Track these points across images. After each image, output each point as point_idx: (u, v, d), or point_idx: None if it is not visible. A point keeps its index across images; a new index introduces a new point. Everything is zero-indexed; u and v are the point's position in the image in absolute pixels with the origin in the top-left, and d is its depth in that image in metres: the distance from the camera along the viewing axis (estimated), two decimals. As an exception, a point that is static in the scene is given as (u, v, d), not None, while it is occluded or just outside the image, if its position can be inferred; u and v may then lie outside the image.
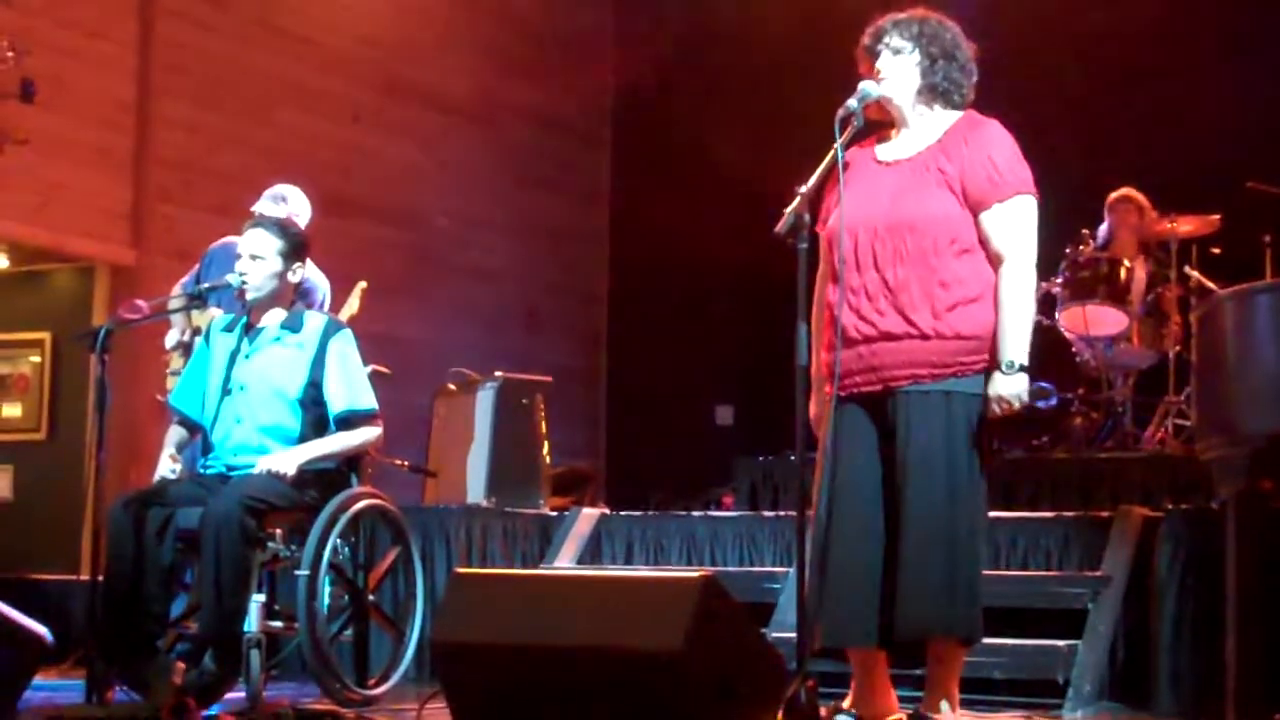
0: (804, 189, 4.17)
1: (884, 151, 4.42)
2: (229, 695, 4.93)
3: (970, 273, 4.24)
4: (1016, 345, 4.19)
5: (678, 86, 10.46)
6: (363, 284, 6.78)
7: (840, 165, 4.20)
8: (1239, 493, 3.70)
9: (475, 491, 7.30)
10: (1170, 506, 5.68)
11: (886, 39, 4.38)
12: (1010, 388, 4.19)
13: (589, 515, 7.07)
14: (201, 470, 5.29)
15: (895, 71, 4.35)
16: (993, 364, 4.23)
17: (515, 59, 10.37)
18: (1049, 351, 7.57)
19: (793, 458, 4.36)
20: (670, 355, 10.33)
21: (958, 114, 4.38)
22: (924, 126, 4.38)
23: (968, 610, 4.21)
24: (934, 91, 4.37)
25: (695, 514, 7.15)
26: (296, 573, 4.98)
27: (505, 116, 10.35)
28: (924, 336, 4.21)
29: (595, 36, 11.06)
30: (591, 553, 6.90)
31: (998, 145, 4.30)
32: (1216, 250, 7.97)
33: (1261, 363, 3.59)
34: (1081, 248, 7.84)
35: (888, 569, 4.21)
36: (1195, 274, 7.79)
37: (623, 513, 7.27)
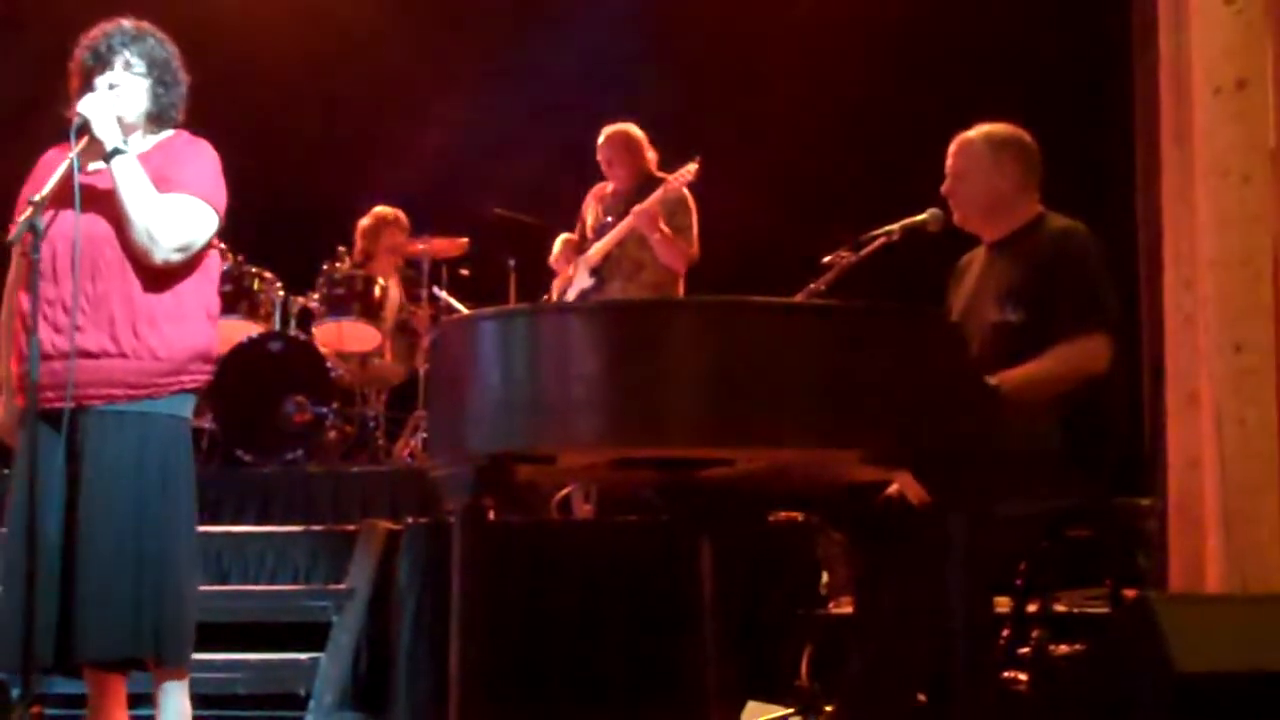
0: (38, 198, 4.02)
1: (86, 164, 4.22)
2: None
3: (172, 290, 4.23)
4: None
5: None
6: None
7: (76, 175, 4.09)
8: (465, 507, 3.86)
9: None
10: (410, 520, 5.87)
11: (118, 56, 4.29)
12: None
13: None
14: None
15: (129, 92, 4.28)
16: (190, 386, 4.25)
17: None
18: (304, 365, 7.65)
19: (6, 471, 4.25)
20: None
21: (170, 131, 4.37)
22: (137, 143, 4.30)
23: (163, 629, 4.14)
24: (157, 118, 4.34)
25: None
26: None
27: None
28: (122, 355, 4.15)
29: None
30: None
31: (200, 163, 4.31)
32: (465, 272, 8.33)
33: (485, 386, 3.75)
34: (338, 265, 7.98)
35: (76, 589, 4.09)
36: (444, 294, 8.11)
37: None
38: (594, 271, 6.95)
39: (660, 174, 6.99)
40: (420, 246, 8.11)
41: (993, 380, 3.85)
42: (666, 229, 6.81)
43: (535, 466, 3.99)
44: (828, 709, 4.68)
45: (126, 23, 4.34)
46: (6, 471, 4.28)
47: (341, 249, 8.07)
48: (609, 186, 7.19)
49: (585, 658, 5.38)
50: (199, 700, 4.44)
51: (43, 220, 4.04)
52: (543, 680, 5.33)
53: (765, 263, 6.33)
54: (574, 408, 3.59)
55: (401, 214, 8.35)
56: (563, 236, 7.25)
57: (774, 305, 3.70)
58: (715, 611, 4.49)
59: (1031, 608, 4.58)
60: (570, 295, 6.92)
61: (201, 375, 4.31)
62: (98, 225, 4.17)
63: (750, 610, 5.13)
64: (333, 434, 7.92)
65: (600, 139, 7.13)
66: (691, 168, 6.86)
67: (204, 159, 4.33)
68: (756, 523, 5.32)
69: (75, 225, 4.11)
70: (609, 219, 6.99)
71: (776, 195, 8.37)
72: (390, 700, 5.56)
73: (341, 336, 7.92)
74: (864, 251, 4.51)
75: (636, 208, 6.83)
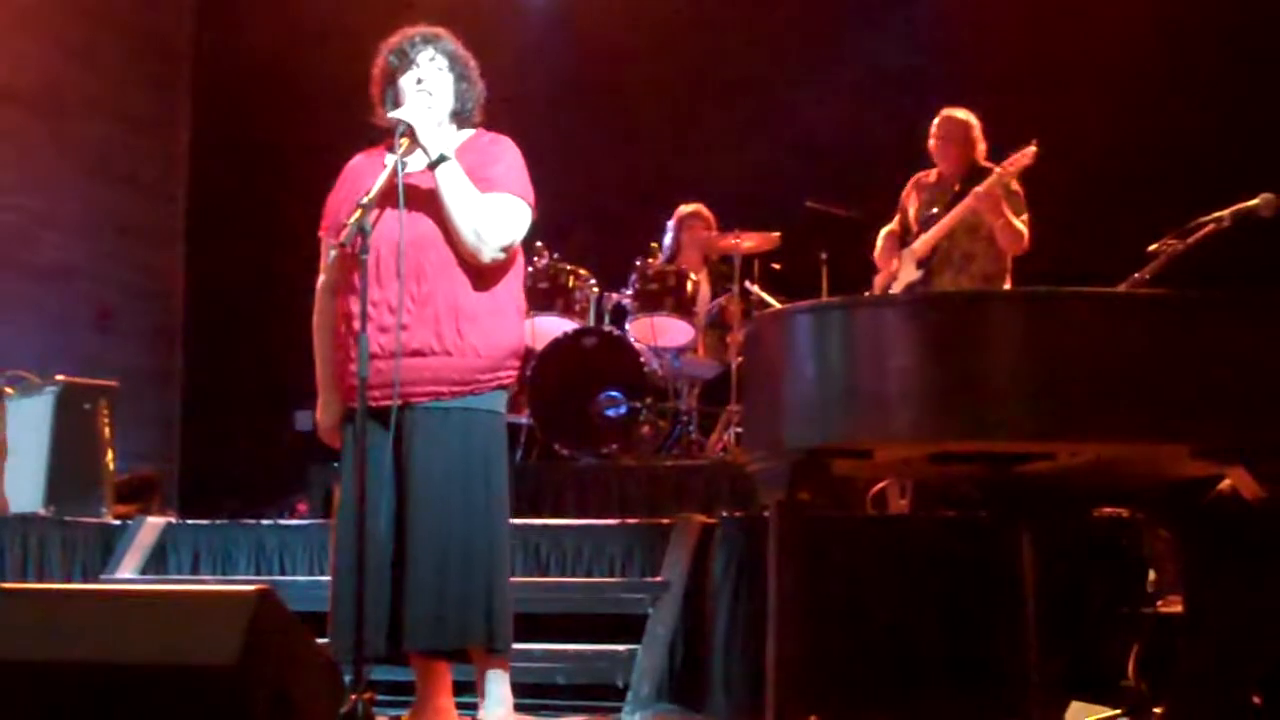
0: (365, 200, 4.15)
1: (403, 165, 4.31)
2: None
3: (490, 289, 4.32)
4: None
5: (259, 82, 10.25)
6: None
7: (400, 178, 4.20)
8: (780, 502, 3.84)
9: (32, 500, 7.00)
10: (725, 514, 5.87)
11: (422, 53, 4.40)
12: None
13: (154, 524, 6.86)
14: None
15: (438, 89, 4.39)
16: (506, 381, 4.36)
17: (87, 50, 9.95)
18: (618, 360, 7.75)
19: (335, 466, 4.40)
20: (249, 357, 10.08)
21: (470, 131, 4.46)
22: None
23: (490, 619, 4.26)
24: (459, 116, 4.44)
25: (264, 523, 6.99)
26: None
27: (76, 109, 9.92)
28: (446, 353, 4.25)
29: (173, 29, 10.74)
30: (156, 564, 6.69)
31: (508, 160, 4.40)
32: (777, 266, 8.31)
33: (801, 380, 3.73)
34: (649, 260, 8.05)
35: (406, 581, 4.22)
36: (756, 289, 8.10)
37: (189, 521, 7.09)
38: (921, 264, 6.82)
39: (987, 164, 6.81)
40: (732, 241, 8.12)
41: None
42: (1009, 212, 6.63)
43: (851, 460, 3.94)
44: (1157, 710, 4.53)
45: (423, 27, 4.45)
46: (335, 465, 4.42)
47: (654, 245, 8.15)
48: (931, 175, 7.03)
49: (903, 653, 5.30)
50: (520, 689, 4.54)
51: (370, 221, 4.16)
52: (859, 675, 5.28)
53: (1092, 252, 6.15)
54: (891, 401, 3.55)
55: (704, 209, 8.38)
56: (884, 230, 7.13)
57: (1097, 295, 3.60)
58: (1036, 609, 4.39)
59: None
60: (895, 289, 6.81)
61: (515, 371, 4.41)
62: (420, 226, 4.27)
63: (1072, 608, 4.99)
64: (646, 428, 7.97)
65: (935, 121, 6.95)
66: (1030, 150, 6.60)
67: (511, 156, 4.41)
68: (1078, 519, 5.18)
69: (400, 227, 4.23)
70: (934, 210, 6.84)
71: (1105, 183, 8.15)
72: (706, 693, 5.56)
73: (655, 331, 7.99)
74: (1192, 239, 4.35)
75: (977, 189, 6.62)
